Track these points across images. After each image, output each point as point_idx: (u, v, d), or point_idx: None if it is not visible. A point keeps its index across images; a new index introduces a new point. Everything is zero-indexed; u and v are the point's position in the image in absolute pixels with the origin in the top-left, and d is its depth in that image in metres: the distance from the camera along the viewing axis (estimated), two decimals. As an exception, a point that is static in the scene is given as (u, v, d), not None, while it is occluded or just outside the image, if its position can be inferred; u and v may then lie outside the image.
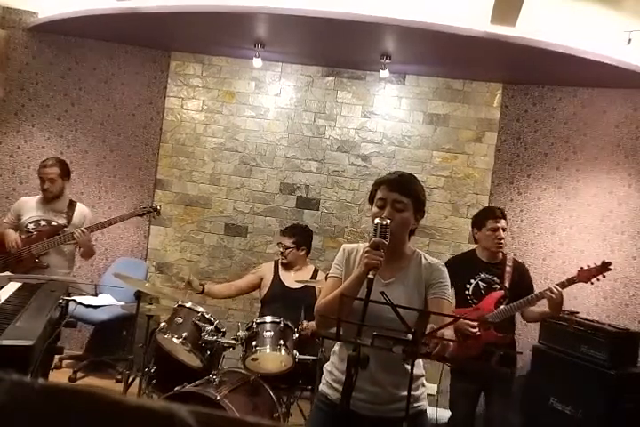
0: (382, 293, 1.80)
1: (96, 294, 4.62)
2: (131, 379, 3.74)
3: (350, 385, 1.74)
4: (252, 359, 3.31)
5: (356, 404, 1.97)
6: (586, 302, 4.45)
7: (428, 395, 2.19)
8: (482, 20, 3.79)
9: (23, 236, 3.96)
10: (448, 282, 2.09)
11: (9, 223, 4.06)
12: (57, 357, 4.54)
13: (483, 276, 3.40)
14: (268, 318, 3.43)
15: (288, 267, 4.05)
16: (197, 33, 4.66)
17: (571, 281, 3.21)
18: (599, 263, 3.22)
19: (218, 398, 2.86)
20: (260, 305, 4.12)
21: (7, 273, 3.43)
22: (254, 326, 3.40)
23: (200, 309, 3.48)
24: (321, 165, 5.06)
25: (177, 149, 5.18)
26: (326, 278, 2.16)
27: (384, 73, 4.60)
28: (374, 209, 2.05)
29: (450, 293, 2.10)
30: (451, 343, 1.76)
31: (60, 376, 4.32)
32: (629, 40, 3.77)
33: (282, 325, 3.39)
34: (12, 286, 2.70)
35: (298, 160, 5.07)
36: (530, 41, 3.87)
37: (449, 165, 4.96)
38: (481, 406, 3.55)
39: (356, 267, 1.98)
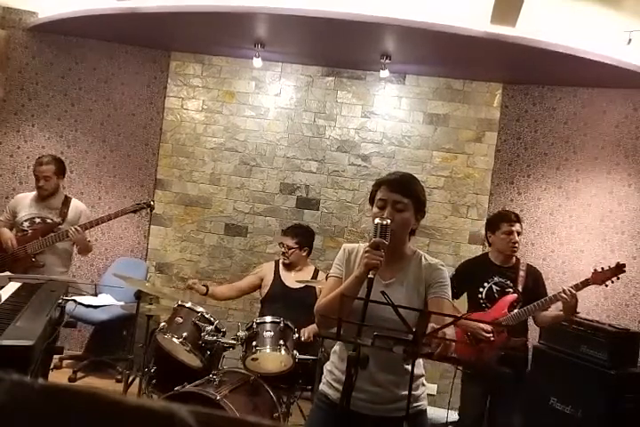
0: (383, 293, 1.80)
1: (96, 294, 4.62)
2: (131, 379, 3.74)
3: (350, 385, 1.74)
4: (252, 359, 3.31)
5: (356, 403, 1.97)
6: (586, 302, 4.44)
7: (428, 395, 2.19)
8: (482, 20, 3.79)
9: (19, 234, 3.94)
10: (448, 282, 2.09)
11: (4, 221, 4.04)
12: (57, 357, 4.53)
13: (496, 279, 3.38)
14: (268, 318, 3.43)
15: (289, 267, 4.05)
16: (197, 33, 4.66)
17: (585, 283, 3.17)
18: (613, 265, 3.18)
19: (218, 398, 2.86)
20: (260, 305, 4.12)
21: (7, 273, 3.42)
22: (254, 326, 3.40)
23: (200, 309, 3.48)
24: (321, 165, 5.06)
25: (177, 149, 5.17)
26: (327, 278, 2.16)
27: (384, 73, 4.60)
28: (375, 209, 2.05)
29: (450, 292, 2.09)
30: (453, 343, 1.76)
31: (59, 376, 4.32)
32: (629, 40, 3.77)
33: (282, 325, 3.39)
34: (12, 286, 2.70)
35: (298, 160, 5.08)
36: (530, 41, 3.87)
37: (449, 165, 4.96)
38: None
39: (357, 267, 1.98)
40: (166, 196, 5.18)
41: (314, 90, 5.07)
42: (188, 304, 3.50)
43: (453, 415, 3.63)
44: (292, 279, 3.98)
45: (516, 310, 3.28)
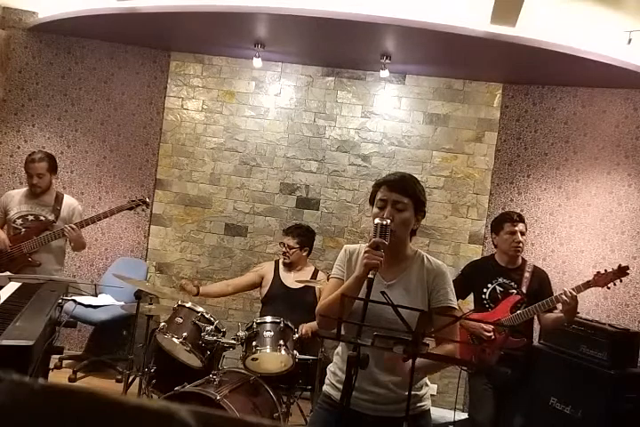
0: (383, 293, 1.80)
1: (96, 294, 4.62)
2: (131, 379, 3.74)
3: (350, 385, 1.74)
4: (252, 359, 3.31)
5: (359, 404, 1.98)
6: (586, 302, 4.45)
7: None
8: (482, 20, 3.80)
9: (12, 232, 3.91)
10: (452, 286, 2.09)
11: None
12: (57, 357, 4.54)
13: (500, 280, 3.38)
14: (268, 318, 3.43)
15: (289, 267, 4.05)
16: (197, 33, 4.66)
17: (586, 285, 3.14)
18: (615, 267, 3.15)
19: (218, 398, 2.86)
20: (260, 305, 4.12)
21: (7, 273, 3.42)
22: (254, 326, 3.40)
23: (200, 309, 3.48)
24: (321, 165, 5.06)
25: (177, 149, 5.17)
26: (328, 279, 2.16)
27: (384, 73, 4.60)
28: (375, 210, 2.05)
29: (455, 297, 2.09)
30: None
31: (60, 376, 4.31)
32: (629, 40, 3.77)
33: (282, 325, 3.39)
34: (12, 286, 2.70)
35: (298, 160, 5.07)
36: (530, 41, 3.87)
37: (449, 165, 4.96)
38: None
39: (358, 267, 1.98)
40: (166, 196, 5.18)
41: (314, 90, 5.07)
42: (188, 304, 3.50)
43: (454, 415, 3.62)
44: (291, 279, 3.98)
45: (518, 311, 3.27)
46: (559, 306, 3.16)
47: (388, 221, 1.94)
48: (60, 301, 2.67)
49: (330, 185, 5.05)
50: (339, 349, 2.16)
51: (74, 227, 3.82)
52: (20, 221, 3.93)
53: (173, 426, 0.42)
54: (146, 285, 3.83)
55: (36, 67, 5.07)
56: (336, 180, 5.04)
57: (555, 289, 3.46)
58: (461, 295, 3.29)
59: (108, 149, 5.17)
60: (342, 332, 1.79)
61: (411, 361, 1.68)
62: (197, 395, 2.93)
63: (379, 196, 2.05)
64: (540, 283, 3.40)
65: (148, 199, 4.07)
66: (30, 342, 1.82)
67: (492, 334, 3.16)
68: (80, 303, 4.02)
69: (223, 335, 3.43)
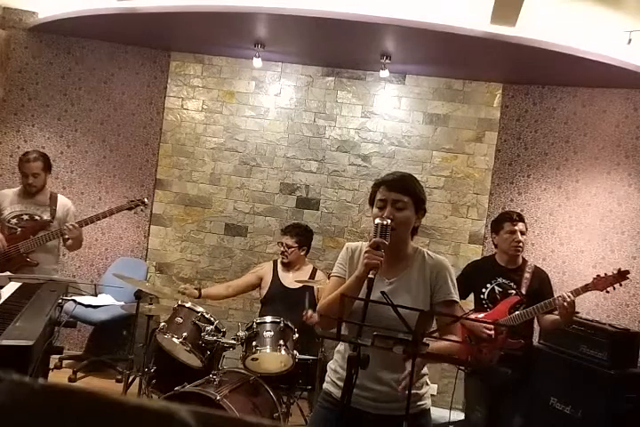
0: (383, 292, 1.80)
1: (96, 294, 4.62)
2: (131, 379, 3.74)
3: (351, 385, 1.74)
4: (252, 359, 3.31)
5: (360, 402, 1.98)
6: (586, 302, 4.45)
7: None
8: (482, 20, 3.80)
9: (6, 232, 3.90)
10: (453, 280, 2.09)
11: None
12: (57, 357, 4.54)
13: (499, 280, 3.35)
14: (268, 318, 3.43)
15: (288, 267, 4.05)
16: (197, 33, 4.66)
17: (585, 289, 3.11)
18: (616, 271, 3.11)
19: (218, 398, 2.86)
20: (259, 305, 4.12)
21: (7, 273, 3.42)
22: (254, 326, 3.40)
23: (200, 309, 3.48)
24: (321, 165, 5.06)
25: (177, 149, 5.18)
26: (329, 277, 2.17)
27: (384, 73, 4.60)
28: (375, 210, 2.05)
29: (455, 289, 2.09)
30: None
31: (60, 376, 4.32)
32: (629, 40, 3.77)
33: (282, 325, 3.39)
34: (12, 286, 2.70)
35: (298, 160, 5.08)
36: (530, 41, 3.87)
37: (449, 165, 4.96)
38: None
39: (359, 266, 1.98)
40: (166, 196, 5.18)
41: (314, 90, 5.07)
42: (188, 304, 3.50)
43: (454, 415, 3.62)
44: (290, 279, 3.98)
45: (517, 312, 3.25)
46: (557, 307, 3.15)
47: (389, 220, 1.94)
48: (60, 301, 2.67)
49: (330, 185, 5.05)
50: (339, 347, 2.16)
51: (75, 225, 3.81)
52: (14, 221, 3.91)
53: (173, 426, 0.42)
54: (146, 285, 3.83)
55: (35, 67, 5.07)
56: (336, 180, 5.04)
57: (555, 289, 3.45)
58: (462, 295, 3.27)
59: (107, 149, 5.17)
60: (343, 331, 1.79)
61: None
62: (197, 395, 2.93)
63: (378, 196, 2.05)
64: (541, 284, 3.37)
65: (146, 199, 4.07)
66: (30, 342, 1.82)
67: (492, 332, 3.15)
68: (80, 303, 4.03)
69: (223, 335, 3.42)
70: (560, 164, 4.81)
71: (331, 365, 2.17)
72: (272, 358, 3.34)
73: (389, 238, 1.92)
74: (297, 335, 3.44)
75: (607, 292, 3.16)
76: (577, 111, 4.77)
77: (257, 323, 3.41)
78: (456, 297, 2.07)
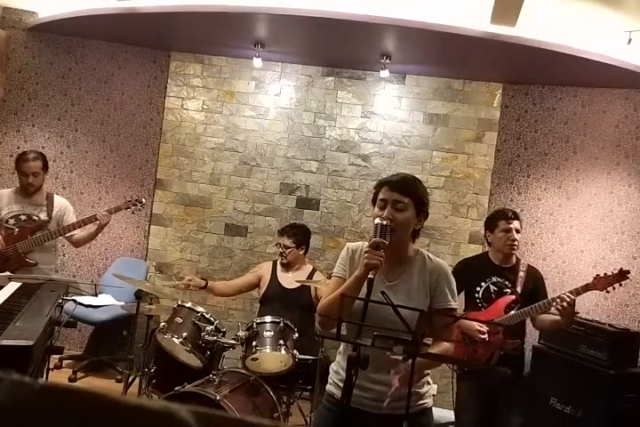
0: (383, 292, 1.80)
1: (96, 294, 4.62)
2: (131, 379, 3.74)
3: (350, 385, 1.74)
4: (252, 359, 3.31)
5: (362, 402, 1.98)
6: (586, 302, 4.45)
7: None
8: (482, 20, 3.79)
9: (3, 233, 3.90)
10: (453, 286, 2.09)
11: None
12: (57, 357, 4.54)
13: (494, 279, 3.29)
14: (268, 318, 3.43)
15: (287, 267, 4.05)
16: (197, 33, 4.66)
17: (585, 289, 3.07)
18: (616, 271, 3.08)
19: (218, 398, 2.86)
20: (259, 305, 4.12)
21: (7, 273, 3.42)
22: (254, 325, 3.40)
23: (200, 309, 3.48)
24: (321, 165, 5.06)
25: (177, 149, 5.18)
26: (329, 278, 2.17)
27: (384, 73, 4.60)
28: (376, 210, 2.04)
29: (455, 296, 2.09)
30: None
31: (60, 376, 4.31)
32: (629, 40, 3.77)
33: (282, 325, 3.39)
34: (12, 286, 2.70)
35: (298, 160, 5.08)
36: (530, 41, 3.87)
37: (449, 165, 4.96)
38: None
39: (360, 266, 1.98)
40: (166, 196, 5.18)
41: (314, 90, 5.07)
42: (188, 304, 3.50)
43: (454, 415, 3.62)
44: (288, 279, 3.99)
45: (512, 312, 3.19)
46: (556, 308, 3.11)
47: (388, 221, 1.94)
48: (60, 301, 2.67)
49: (330, 185, 5.05)
50: (341, 347, 2.17)
51: (106, 213, 3.87)
52: (12, 221, 3.92)
53: (173, 426, 0.42)
54: (146, 285, 3.83)
55: (35, 67, 5.07)
56: (336, 180, 5.04)
57: (555, 289, 3.45)
58: None
59: (108, 149, 5.17)
60: (343, 332, 1.79)
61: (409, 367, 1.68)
62: (197, 395, 2.93)
63: (380, 196, 2.05)
64: (535, 283, 3.32)
65: (144, 199, 4.09)
66: (30, 342, 1.82)
67: (486, 336, 3.11)
68: (80, 303, 4.02)
69: (223, 335, 3.42)
70: (560, 164, 4.81)
71: (333, 366, 2.18)
72: (272, 358, 3.34)
73: (389, 239, 1.92)
74: (297, 335, 3.43)
75: (607, 292, 3.12)
76: (577, 111, 4.77)
77: (257, 323, 3.41)
78: (455, 304, 2.07)
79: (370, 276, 1.85)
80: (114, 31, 4.89)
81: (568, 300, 2.95)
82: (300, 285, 3.90)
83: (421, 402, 2.08)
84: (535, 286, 3.31)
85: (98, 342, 5.04)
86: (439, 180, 4.96)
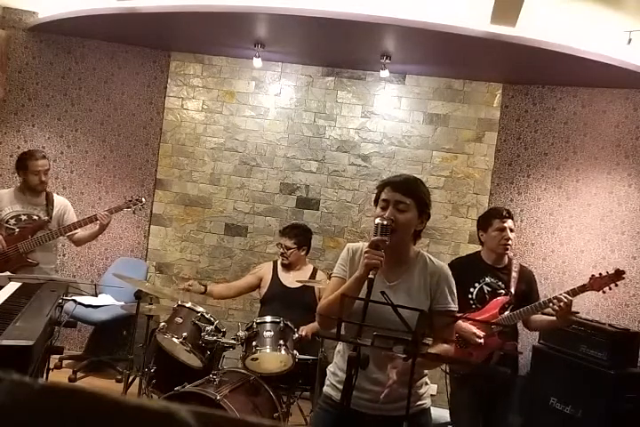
0: (382, 292, 1.80)
1: (96, 294, 4.62)
2: (131, 379, 3.74)
3: (350, 385, 1.74)
4: (252, 359, 3.31)
5: (360, 403, 1.98)
6: (586, 302, 4.45)
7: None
8: (482, 20, 3.79)
9: (4, 233, 3.90)
10: (453, 288, 2.09)
11: None
12: (57, 357, 4.54)
13: (488, 280, 3.23)
14: (268, 318, 3.43)
15: (288, 267, 4.05)
16: (197, 33, 4.66)
17: (582, 289, 3.03)
18: (612, 271, 3.04)
19: (218, 398, 2.86)
20: (259, 305, 4.12)
21: (7, 273, 3.42)
22: (254, 326, 3.40)
23: (200, 309, 3.48)
24: (321, 165, 5.06)
25: (177, 149, 5.18)
26: (329, 278, 2.17)
27: (384, 73, 4.60)
28: (377, 210, 2.04)
29: (455, 298, 2.08)
30: None
31: (60, 376, 4.31)
32: (629, 40, 3.77)
33: (282, 325, 3.39)
34: (12, 286, 2.70)
35: (298, 160, 5.08)
36: (530, 41, 3.87)
37: (449, 165, 4.96)
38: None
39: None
40: (166, 196, 5.18)
41: (314, 90, 5.07)
42: (188, 304, 3.50)
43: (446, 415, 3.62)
44: (290, 279, 3.98)
45: (507, 313, 3.14)
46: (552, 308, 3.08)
47: (389, 220, 1.94)
48: (60, 301, 2.67)
49: (330, 185, 5.05)
50: (339, 348, 2.16)
51: (107, 213, 3.86)
52: (13, 222, 3.92)
53: (173, 426, 0.42)
54: (146, 285, 3.83)
55: (36, 67, 5.07)
56: (336, 180, 5.04)
57: (555, 289, 3.44)
58: None
59: (108, 149, 5.17)
60: (343, 332, 1.79)
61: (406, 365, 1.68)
62: (197, 395, 2.93)
63: (382, 196, 2.05)
64: (527, 283, 3.27)
65: (143, 199, 4.09)
66: (30, 342, 1.82)
67: (482, 340, 3.09)
68: (80, 303, 4.02)
69: (223, 335, 3.42)
70: (560, 164, 4.81)
71: (330, 368, 2.17)
72: (272, 358, 3.34)
73: (389, 239, 1.92)
74: (297, 335, 3.44)
75: (603, 292, 3.08)
76: (577, 111, 4.77)
77: (257, 323, 3.41)
78: (455, 307, 2.07)
79: (370, 276, 1.85)
80: (114, 31, 4.89)
81: (565, 300, 2.91)
82: (302, 284, 3.90)
83: (420, 403, 2.08)
84: (528, 287, 3.26)
85: (98, 342, 5.04)
86: (439, 180, 4.96)
